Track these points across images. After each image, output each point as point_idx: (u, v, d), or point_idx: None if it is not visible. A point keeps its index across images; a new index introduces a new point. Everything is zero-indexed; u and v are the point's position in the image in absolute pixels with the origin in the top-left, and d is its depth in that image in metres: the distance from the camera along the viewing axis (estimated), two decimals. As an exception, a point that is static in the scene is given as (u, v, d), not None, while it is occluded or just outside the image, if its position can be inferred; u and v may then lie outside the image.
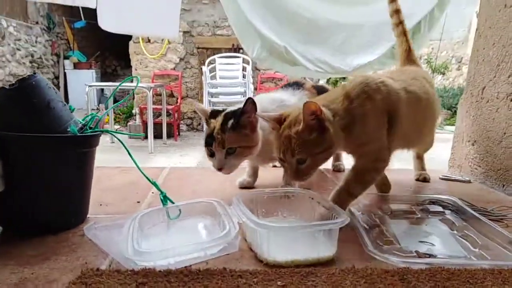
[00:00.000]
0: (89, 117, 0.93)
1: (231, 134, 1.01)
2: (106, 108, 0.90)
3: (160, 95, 6.18)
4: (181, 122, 7.24)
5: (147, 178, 0.89)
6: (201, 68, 6.23)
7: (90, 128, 0.90)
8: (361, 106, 0.89)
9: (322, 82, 5.30)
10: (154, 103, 5.99)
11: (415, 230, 0.95)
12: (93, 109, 5.35)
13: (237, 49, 7.06)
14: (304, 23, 3.40)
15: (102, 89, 8.21)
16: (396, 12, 1.33)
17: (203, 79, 5.89)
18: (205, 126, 1.13)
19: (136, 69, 7.04)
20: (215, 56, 6.16)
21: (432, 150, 1.34)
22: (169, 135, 6.10)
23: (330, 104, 0.90)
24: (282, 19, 3.39)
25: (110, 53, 9.88)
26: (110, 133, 0.96)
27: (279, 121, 0.90)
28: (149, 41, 6.96)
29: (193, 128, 7.45)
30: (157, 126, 5.80)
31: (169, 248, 0.67)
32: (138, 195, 1.14)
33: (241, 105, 1.02)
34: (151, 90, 5.34)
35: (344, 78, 3.72)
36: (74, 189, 0.87)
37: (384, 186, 1.16)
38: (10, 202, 0.80)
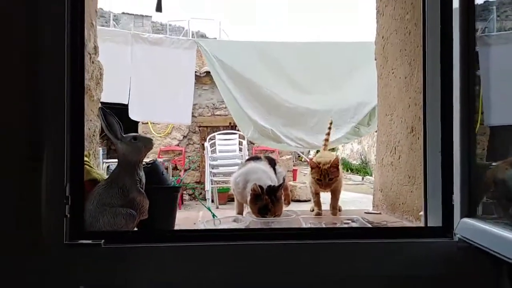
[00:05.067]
0: (175, 178, 1.95)
1: (278, 205, 1.74)
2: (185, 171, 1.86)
3: (167, 168, 7.19)
4: (184, 192, 8.13)
5: (203, 205, 1.88)
6: (203, 144, 7.34)
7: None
8: None
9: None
10: (162, 175, 6.94)
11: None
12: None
13: (233, 126, 8.25)
14: (286, 111, 4.67)
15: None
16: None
17: (204, 153, 6.96)
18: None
19: (145, 146, 8.06)
20: (215, 134, 7.31)
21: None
22: (175, 203, 6.96)
23: None
24: (269, 108, 4.63)
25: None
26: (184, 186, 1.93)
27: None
28: (157, 122, 8.12)
29: (194, 198, 8.32)
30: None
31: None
32: (192, 222, 2.11)
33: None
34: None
35: (318, 151, 4.75)
36: (172, 213, 1.85)
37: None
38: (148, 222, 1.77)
